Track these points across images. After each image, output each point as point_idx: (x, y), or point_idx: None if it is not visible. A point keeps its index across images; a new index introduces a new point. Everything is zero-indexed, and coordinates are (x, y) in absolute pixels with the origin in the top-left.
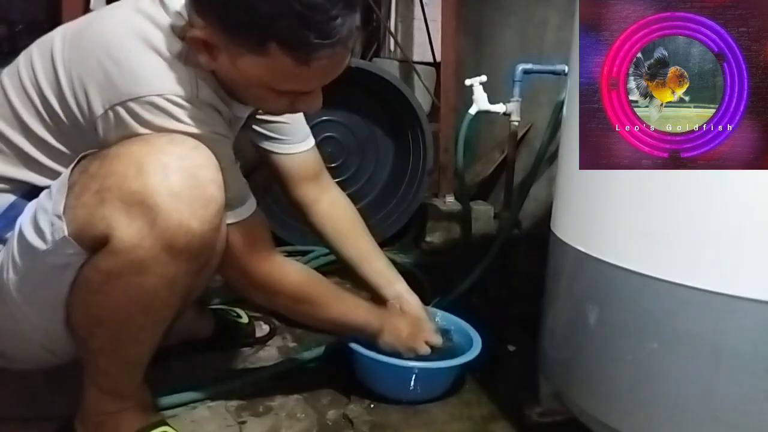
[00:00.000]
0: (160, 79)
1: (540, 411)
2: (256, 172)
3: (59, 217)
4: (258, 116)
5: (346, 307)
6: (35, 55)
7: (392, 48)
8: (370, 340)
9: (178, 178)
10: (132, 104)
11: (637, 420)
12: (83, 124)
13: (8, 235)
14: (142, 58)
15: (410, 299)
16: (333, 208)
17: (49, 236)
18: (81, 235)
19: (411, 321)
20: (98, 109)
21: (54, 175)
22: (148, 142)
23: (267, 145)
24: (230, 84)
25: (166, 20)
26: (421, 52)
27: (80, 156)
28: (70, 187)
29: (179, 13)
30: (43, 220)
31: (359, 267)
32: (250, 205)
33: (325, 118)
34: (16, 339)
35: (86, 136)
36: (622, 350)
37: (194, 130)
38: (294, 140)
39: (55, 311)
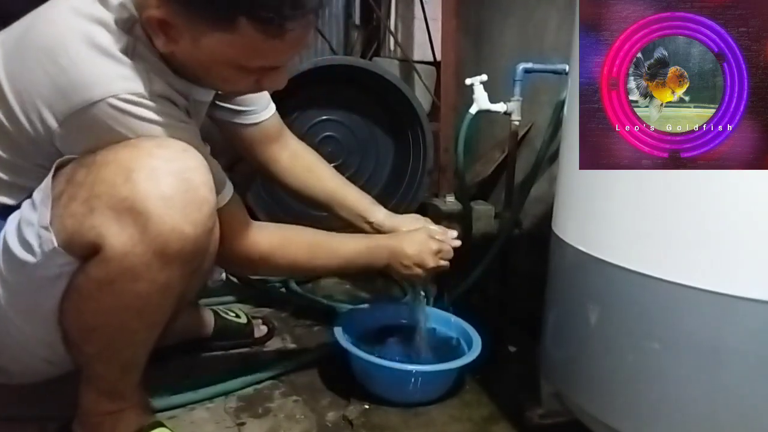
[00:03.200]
0: (110, 80)
1: (541, 412)
2: (242, 162)
3: (46, 228)
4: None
5: (341, 252)
6: None
7: (392, 47)
8: (382, 270)
9: (168, 182)
10: (89, 110)
11: (638, 420)
12: (38, 139)
13: None
14: (88, 61)
15: (394, 217)
16: (294, 159)
17: (37, 249)
18: (71, 245)
19: (414, 238)
20: (53, 123)
21: (18, 190)
22: (136, 146)
23: (233, 119)
24: (191, 67)
25: (107, 16)
26: (421, 51)
27: (57, 163)
28: (56, 197)
29: (122, 5)
30: (30, 233)
31: (333, 206)
32: (230, 186)
33: (325, 118)
34: (15, 354)
35: (44, 149)
36: (623, 350)
37: (156, 125)
38: (258, 109)
39: (50, 322)
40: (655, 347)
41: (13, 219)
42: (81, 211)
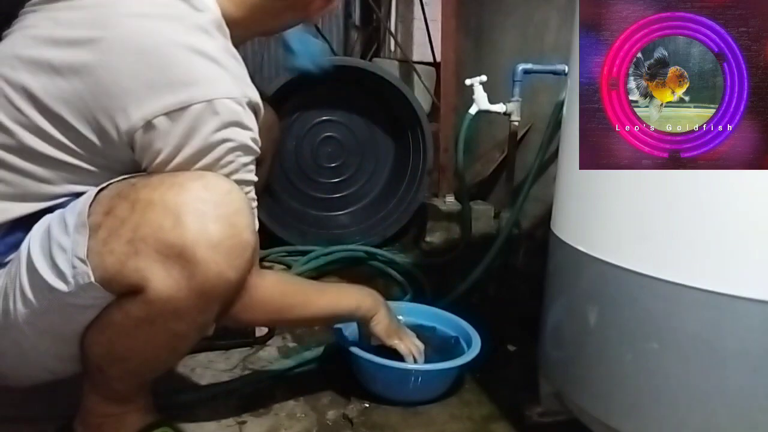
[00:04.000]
0: (212, 83)
1: (540, 411)
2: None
3: (83, 261)
4: None
5: (328, 299)
6: (19, 67)
7: (392, 48)
8: (360, 323)
9: (216, 228)
10: (181, 111)
11: (637, 420)
12: (106, 146)
13: (8, 259)
14: (188, 61)
15: None
16: None
17: (71, 279)
18: (109, 283)
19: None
20: (137, 122)
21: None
22: (183, 187)
23: None
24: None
25: (198, 16)
26: (421, 52)
27: (99, 188)
28: (93, 228)
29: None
30: (62, 260)
31: None
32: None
33: (325, 118)
34: (19, 362)
35: (121, 154)
36: (622, 350)
37: (236, 137)
38: None
39: (70, 342)
40: (654, 347)
41: (38, 234)
42: (124, 251)
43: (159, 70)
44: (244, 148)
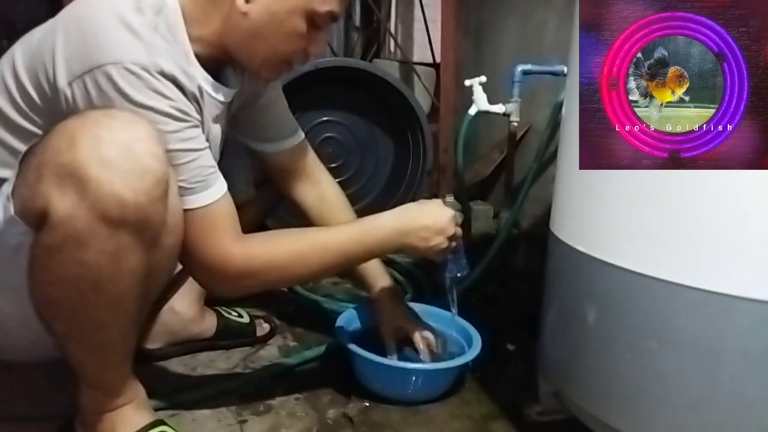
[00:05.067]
0: (120, 48)
1: (539, 410)
2: (270, 183)
3: (8, 198)
4: (243, 115)
5: (337, 236)
6: (17, 48)
7: (392, 49)
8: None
9: (110, 149)
10: (94, 73)
11: (636, 419)
12: (54, 101)
13: None
14: (108, 29)
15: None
16: (321, 203)
17: (1, 218)
18: (24, 212)
19: (426, 207)
20: (62, 82)
21: None
22: (84, 116)
23: (258, 146)
24: (252, 32)
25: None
26: (420, 53)
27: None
28: (22, 169)
29: None
30: (0, 204)
31: None
32: (215, 191)
33: (325, 118)
34: (1, 330)
35: (61, 117)
36: (621, 350)
37: (148, 102)
38: (281, 136)
39: (21, 297)
40: (653, 347)
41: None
42: (32, 179)
43: (83, 35)
44: (164, 114)
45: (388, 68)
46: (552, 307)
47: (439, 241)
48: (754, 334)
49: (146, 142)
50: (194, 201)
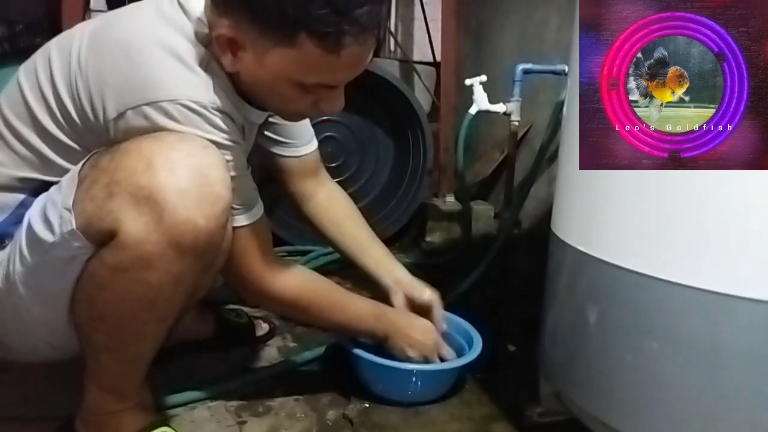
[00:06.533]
0: (178, 85)
1: (540, 411)
2: (270, 183)
3: (68, 210)
4: (270, 119)
5: (348, 314)
6: (54, 53)
7: (392, 48)
8: (378, 344)
9: (185, 175)
10: (146, 108)
11: (637, 419)
12: (97, 126)
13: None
14: (160, 63)
15: (410, 283)
16: (330, 201)
17: (57, 228)
18: (88, 229)
19: (421, 327)
20: (111, 113)
21: (65, 172)
22: (159, 138)
23: (275, 149)
24: (253, 86)
25: (188, 26)
26: (421, 52)
27: (93, 152)
28: (80, 181)
29: (200, 20)
30: (52, 213)
31: (358, 257)
32: (257, 211)
33: (325, 118)
34: (19, 330)
35: (100, 137)
36: (622, 350)
37: (209, 136)
38: (300, 143)
39: (58, 305)
40: (654, 347)
41: (40, 199)
42: (101, 196)
43: (134, 66)
44: (222, 147)
45: (388, 67)
46: (553, 308)
47: (414, 354)
48: (754, 334)
49: (218, 169)
50: (239, 221)
